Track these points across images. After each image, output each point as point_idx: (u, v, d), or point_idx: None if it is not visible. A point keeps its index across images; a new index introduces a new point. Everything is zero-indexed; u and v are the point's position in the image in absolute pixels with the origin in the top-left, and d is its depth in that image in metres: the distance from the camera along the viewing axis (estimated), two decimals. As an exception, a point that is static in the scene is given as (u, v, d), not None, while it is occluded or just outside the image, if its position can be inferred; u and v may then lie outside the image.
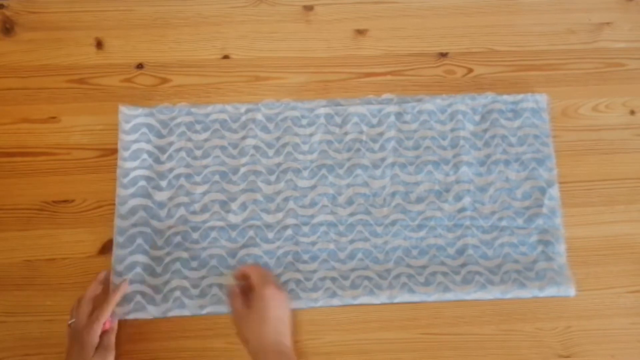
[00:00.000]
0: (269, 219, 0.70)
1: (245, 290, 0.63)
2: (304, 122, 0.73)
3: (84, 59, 0.75)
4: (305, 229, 0.69)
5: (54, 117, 0.73)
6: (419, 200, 0.71)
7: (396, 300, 0.67)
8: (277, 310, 0.59)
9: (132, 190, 0.69)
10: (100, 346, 0.60)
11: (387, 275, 0.68)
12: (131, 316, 0.65)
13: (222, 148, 0.72)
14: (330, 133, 0.73)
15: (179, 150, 0.71)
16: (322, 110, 0.73)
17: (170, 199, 0.70)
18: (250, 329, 0.57)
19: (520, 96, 0.75)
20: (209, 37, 0.76)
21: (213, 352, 0.66)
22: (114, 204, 0.69)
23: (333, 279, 0.68)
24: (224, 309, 0.66)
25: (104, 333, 0.62)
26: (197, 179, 0.71)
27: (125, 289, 0.64)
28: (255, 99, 0.74)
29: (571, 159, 0.74)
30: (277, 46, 0.77)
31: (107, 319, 0.62)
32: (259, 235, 0.69)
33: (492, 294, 0.68)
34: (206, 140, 0.72)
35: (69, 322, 0.62)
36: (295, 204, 0.70)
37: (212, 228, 0.69)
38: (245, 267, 0.65)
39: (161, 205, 0.69)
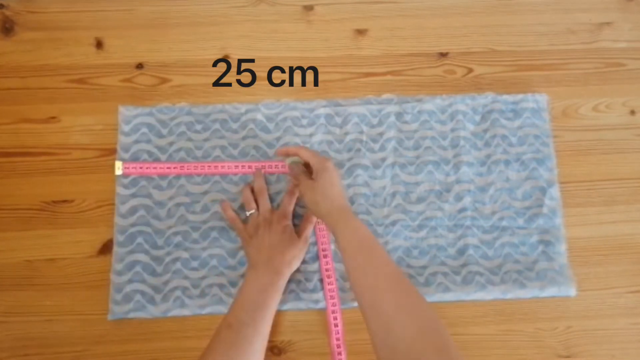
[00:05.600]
0: (269, 219, 0.70)
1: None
2: (304, 122, 0.73)
3: (84, 59, 0.75)
4: (306, 229, 0.69)
5: (54, 117, 0.72)
6: (420, 200, 0.71)
7: (396, 300, 0.67)
8: (339, 180, 0.64)
9: (132, 190, 0.69)
10: (302, 237, 0.67)
11: (387, 275, 0.68)
12: (131, 315, 0.66)
13: (222, 148, 0.72)
14: (330, 133, 0.73)
15: (179, 150, 0.71)
16: (322, 111, 0.73)
17: (171, 198, 0.70)
18: (320, 194, 0.62)
19: (520, 96, 0.75)
20: (209, 37, 0.76)
21: (213, 352, 0.66)
22: (114, 204, 0.69)
23: (333, 279, 0.68)
24: (224, 308, 0.66)
25: (307, 224, 0.68)
26: (198, 179, 0.71)
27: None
28: (255, 99, 0.74)
29: (571, 159, 0.74)
30: (277, 46, 0.77)
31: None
32: (259, 235, 0.69)
33: (492, 294, 0.68)
34: (206, 140, 0.72)
35: (248, 212, 0.68)
36: (296, 204, 0.70)
37: (213, 228, 0.69)
38: (294, 148, 0.67)
39: (161, 204, 0.69)
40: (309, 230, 0.68)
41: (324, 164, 0.63)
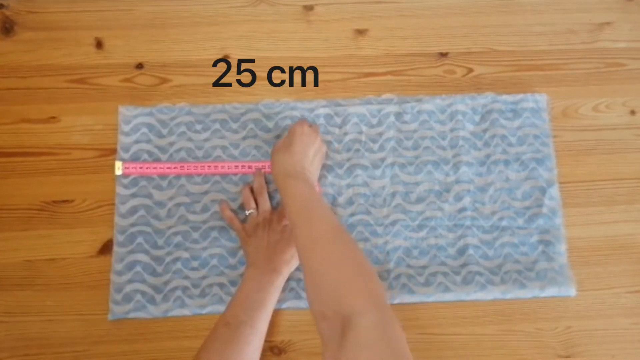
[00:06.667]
0: (269, 219, 0.70)
1: None
2: (304, 122, 0.73)
3: (84, 59, 0.75)
4: (306, 229, 0.69)
5: (54, 117, 0.73)
6: (419, 200, 0.71)
7: (396, 301, 0.67)
8: (302, 146, 0.64)
9: (132, 190, 0.69)
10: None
11: (387, 275, 0.68)
12: (131, 315, 0.66)
13: (223, 148, 0.72)
14: (329, 133, 0.73)
15: (179, 150, 0.71)
16: (321, 111, 0.73)
17: (171, 198, 0.70)
18: (276, 158, 0.64)
19: (520, 96, 0.75)
20: (209, 37, 0.76)
21: (213, 352, 0.66)
22: (114, 204, 0.69)
23: (333, 279, 0.67)
24: (224, 308, 0.66)
25: None
26: (198, 179, 0.71)
27: None
28: (255, 99, 0.74)
29: (571, 159, 0.74)
30: (277, 46, 0.77)
31: None
32: (259, 235, 0.69)
33: (492, 294, 0.68)
34: (206, 140, 0.72)
35: (248, 212, 0.68)
36: (296, 204, 0.70)
37: (213, 228, 0.69)
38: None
39: (161, 204, 0.69)
40: None
41: (292, 128, 0.66)
